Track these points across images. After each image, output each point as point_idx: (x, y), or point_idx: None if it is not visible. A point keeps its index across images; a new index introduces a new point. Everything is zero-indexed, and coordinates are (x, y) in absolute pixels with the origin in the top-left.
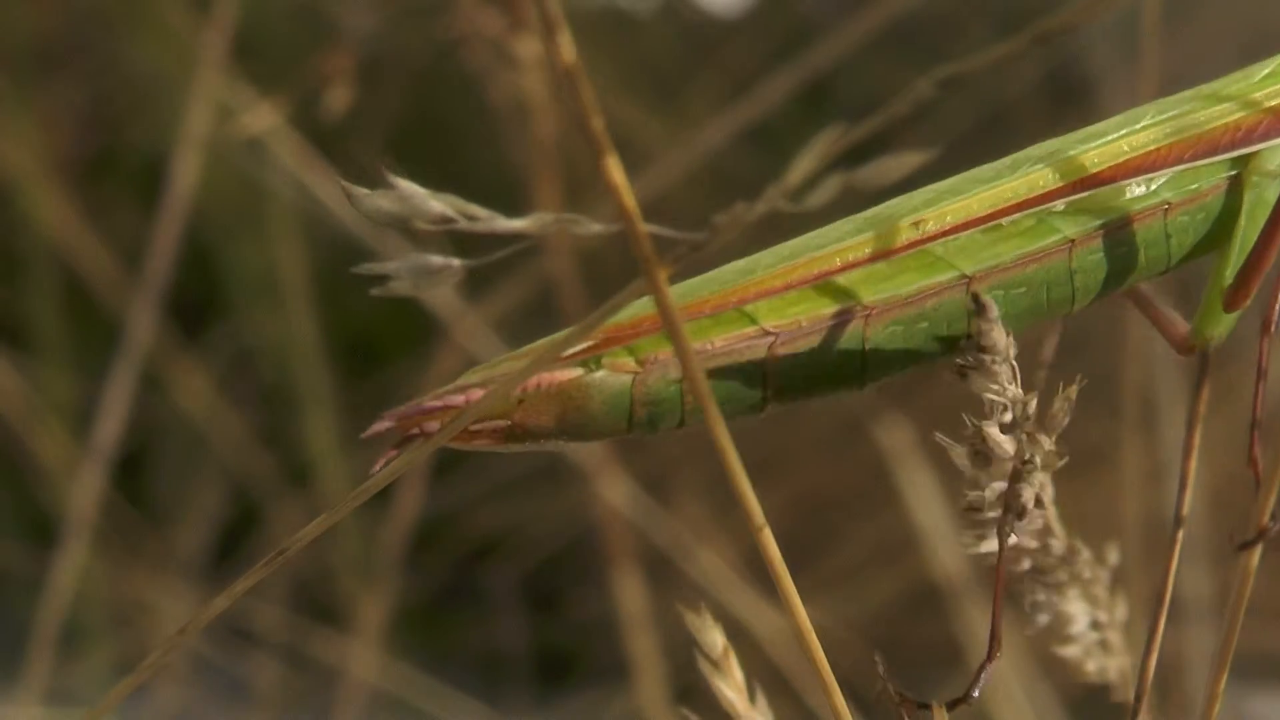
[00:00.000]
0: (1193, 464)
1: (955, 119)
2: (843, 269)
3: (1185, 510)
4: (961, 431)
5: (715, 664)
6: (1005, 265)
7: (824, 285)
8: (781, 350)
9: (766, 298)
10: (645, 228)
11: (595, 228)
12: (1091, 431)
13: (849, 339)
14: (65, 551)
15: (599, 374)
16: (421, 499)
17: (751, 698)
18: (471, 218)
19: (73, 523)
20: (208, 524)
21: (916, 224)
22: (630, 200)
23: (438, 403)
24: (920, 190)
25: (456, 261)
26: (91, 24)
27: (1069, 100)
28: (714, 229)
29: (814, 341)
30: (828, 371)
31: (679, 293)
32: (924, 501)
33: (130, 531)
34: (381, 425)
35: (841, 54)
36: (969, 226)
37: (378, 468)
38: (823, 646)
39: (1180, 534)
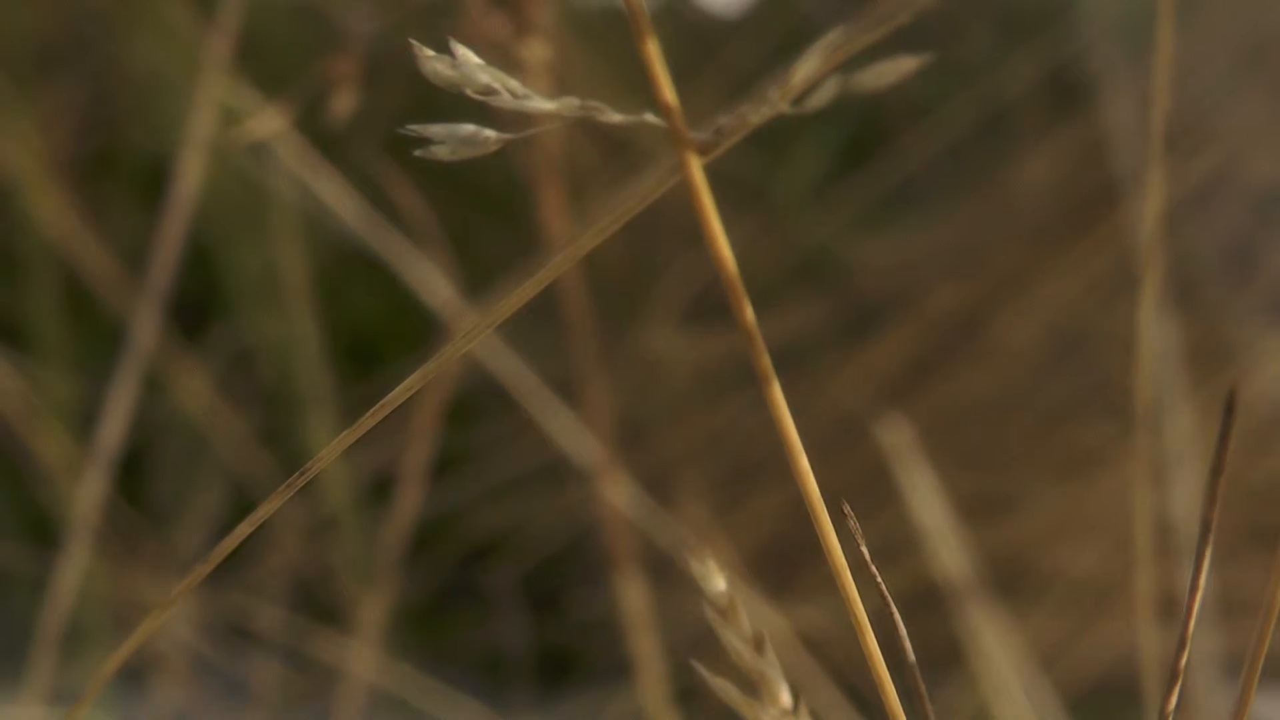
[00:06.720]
0: (1215, 513)
1: (955, 119)
2: None
3: (1203, 570)
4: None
5: (721, 613)
6: None
7: None
8: None
9: None
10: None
11: (616, 117)
12: (1091, 431)
13: None
14: (66, 552)
15: None
16: (421, 499)
17: (759, 649)
18: (513, 93)
19: (74, 523)
20: (208, 524)
21: None
22: (665, 74)
23: None
24: None
25: (491, 133)
26: (91, 24)
27: (1069, 100)
28: (719, 130)
29: None
30: None
31: None
32: (924, 501)
33: (130, 531)
34: None
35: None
36: None
37: None
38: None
39: (1198, 598)
